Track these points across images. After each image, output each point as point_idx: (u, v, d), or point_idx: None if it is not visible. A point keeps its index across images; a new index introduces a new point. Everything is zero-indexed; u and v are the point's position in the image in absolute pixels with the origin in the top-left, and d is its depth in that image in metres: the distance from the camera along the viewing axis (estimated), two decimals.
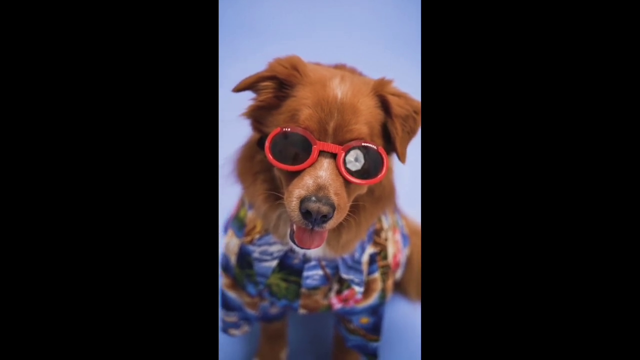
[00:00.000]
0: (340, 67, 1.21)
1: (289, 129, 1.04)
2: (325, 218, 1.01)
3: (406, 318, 1.79)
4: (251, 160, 1.19)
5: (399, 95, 1.11)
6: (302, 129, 1.03)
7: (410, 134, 1.13)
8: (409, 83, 1.16)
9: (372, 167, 1.06)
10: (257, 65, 1.14)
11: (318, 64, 1.20)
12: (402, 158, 1.12)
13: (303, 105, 1.05)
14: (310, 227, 1.02)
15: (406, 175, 1.27)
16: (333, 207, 1.01)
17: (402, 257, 1.50)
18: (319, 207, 1.00)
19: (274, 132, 1.05)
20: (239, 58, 1.20)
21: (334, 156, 1.04)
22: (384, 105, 1.09)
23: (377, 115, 1.09)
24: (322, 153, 1.03)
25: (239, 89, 1.11)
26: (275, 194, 1.14)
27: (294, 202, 1.02)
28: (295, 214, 1.02)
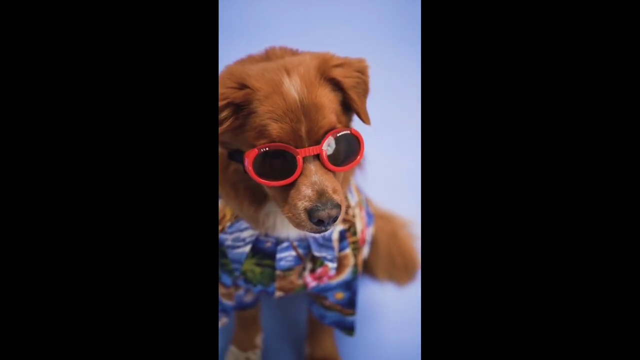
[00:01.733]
0: (271, 51, 1.22)
1: (267, 148, 1.06)
2: (336, 218, 1.06)
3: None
4: (225, 171, 1.20)
5: (342, 64, 1.14)
6: (278, 143, 1.05)
7: (365, 95, 1.18)
8: (409, 80, 1.19)
9: (350, 148, 1.11)
10: None
11: (250, 58, 1.21)
12: (366, 121, 1.16)
13: (269, 120, 1.06)
14: (324, 229, 1.07)
15: (406, 171, 1.30)
16: (339, 206, 1.05)
17: (367, 234, 1.55)
18: (328, 214, 1.04)
19: (252, 154, 1.06)
20: (239, 58, 1.21)
21: (316, 156, 1.07)
22: (336, 85, 1.12)
23: (335, 97, 1.12)
24: (305, 159, 1.06)
25: None
26: (259, 201, 1.18)
27: (302, 215, 1.05)
28: (307, 224, 1.06)
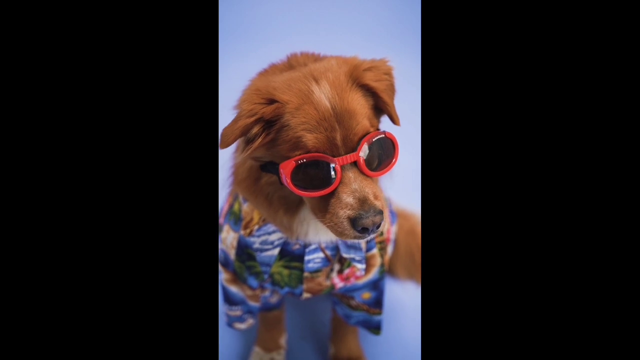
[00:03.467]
0: (293, 58, 1.20)
1: (305, 160, 1.04)
2: (379, 225, 1.05)
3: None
4: (257, 182, 1.19)
5: (371, 68, 1.13)
6: (315, 154, 1.04)
7: (394, 95, 1.17)
8: (408, 80, 1.18)
9: (385, 152, 1.10)
10: (257, 64, 1.13)
11: (273, 67, 1.19)
12: (397, 121, 1.16)
13: (303, 131, 1.04)
14: (367, 237, 1.06)
15: (408, 170, 1.30)
16: (382, 212, 1.04)
17: (392, 233, 1.56)
18: (372, 221, 1.03)
19: (289, 166, 1.04)
20: (239, 58, 1.21)
21: (353, 163, 1.06)
22: (368, 90, 1.11)
23: (367, 102, 1.11)
24: (343, 167, 1.05)
25: (227, 144, 1.06)
26: (293, 209, 1.18)
27: (346, 223, 1.04)
28: (351, 232, 1.05)
